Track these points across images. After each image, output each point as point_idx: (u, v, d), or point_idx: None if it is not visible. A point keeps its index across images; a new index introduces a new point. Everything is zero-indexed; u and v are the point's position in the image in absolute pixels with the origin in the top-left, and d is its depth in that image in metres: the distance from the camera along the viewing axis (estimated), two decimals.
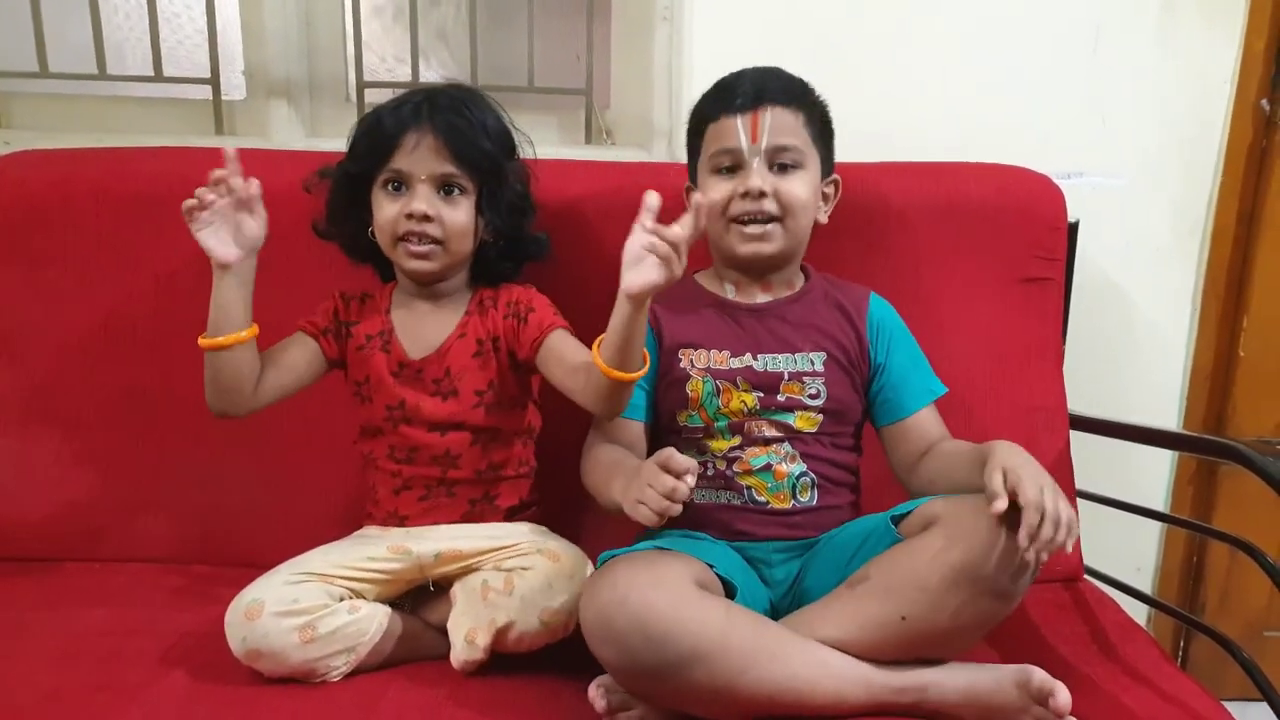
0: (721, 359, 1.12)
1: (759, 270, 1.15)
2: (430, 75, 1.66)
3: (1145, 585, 1.70)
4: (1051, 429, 1.33)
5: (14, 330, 1.31)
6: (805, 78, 1.14)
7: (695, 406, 1.12)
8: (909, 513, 1.00)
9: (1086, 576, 1.33)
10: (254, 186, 1.03)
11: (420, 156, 1.08)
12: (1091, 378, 1.51)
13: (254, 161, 1.33)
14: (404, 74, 1.62)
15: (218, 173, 1.00)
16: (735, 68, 1.15)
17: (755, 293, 1.16)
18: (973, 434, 1.29)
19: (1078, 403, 1.37)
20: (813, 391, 1.12)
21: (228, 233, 1.02)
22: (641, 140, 1.56)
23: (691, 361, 1.13)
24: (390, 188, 1.10)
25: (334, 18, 1.61)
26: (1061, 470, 1.33)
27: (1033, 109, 1.52)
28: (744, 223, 1.10)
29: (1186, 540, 1.69)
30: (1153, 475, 1.66)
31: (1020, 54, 1.51)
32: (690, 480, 0.88)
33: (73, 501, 1.29)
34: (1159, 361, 1.62)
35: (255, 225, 1.04)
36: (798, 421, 1.12)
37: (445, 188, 1.10)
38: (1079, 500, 1.34)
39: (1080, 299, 1.46)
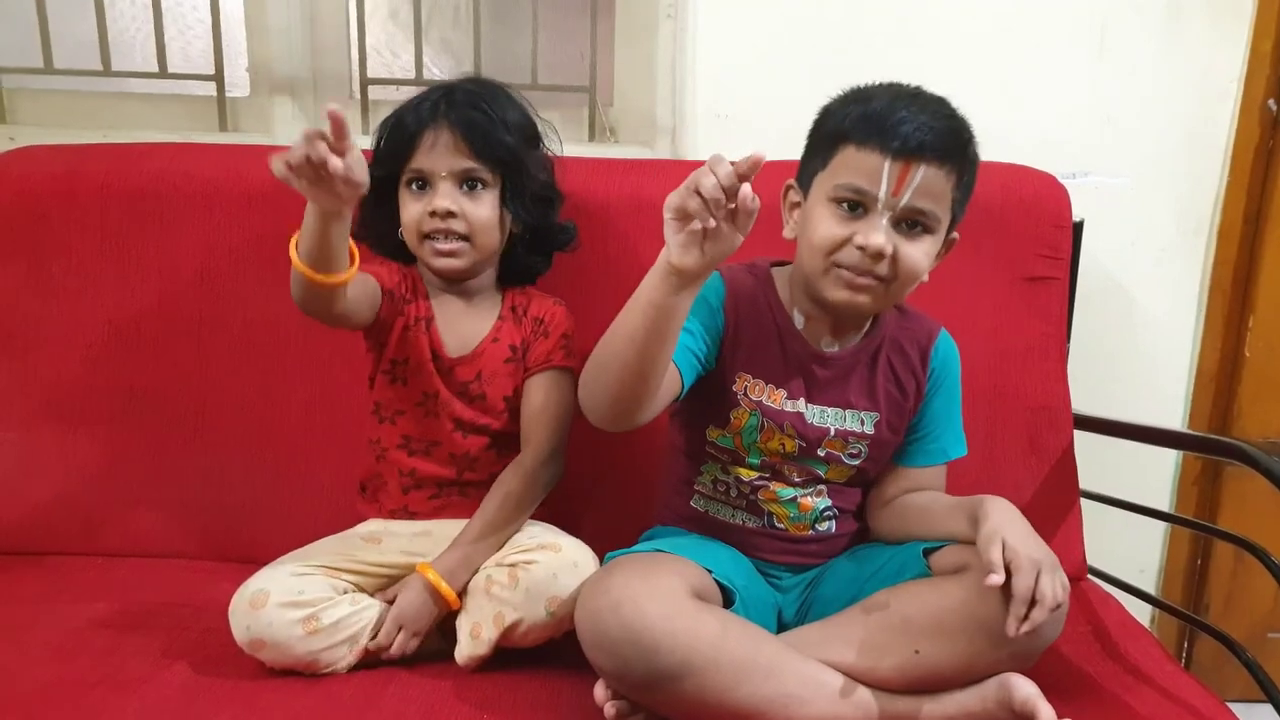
0: (776, 398, 1.05)
1: (841, 316, 1.04)
2: (434, 72, 1.66)
3: (1149, 586, 1.69)
4: (1055, 428, 1.33)
5: (17, 326, 1.31)
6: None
7: (732, 432, 1.07)
8: (941, 547, 0.99)
9: (1090, 577, 1.33)
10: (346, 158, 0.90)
11: (439, 153, 1.09)
12: (1096, 377, 1.51)
13: (258, 158, 1.33)
14: (407, 70, 1.62)
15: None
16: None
17: (823, 335, 1.06)
18: (977, 433, 1.29)
19: (1082, 402, 1.36)
20: (854, 451, 1.08)
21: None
22: (645, 138, 1.55)
23: (745, 390, 1.05)
24: (414, 187, 1.11)
25: (338, 14, 1.61)
26: (1065, 470, 1.32)
27: (1038, 108, 1.52)
28: (848, 268, 0.97)
29: (1191, 541, 1.68)
30: (1157, 475, 1.66)
31: (1026, 53, 1.51)
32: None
33: (74, 496, 1.29)
34: (1164, 361, 1.61)
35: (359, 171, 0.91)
36: (829, 473, 1.09)
37: (467, 183, 1.10)
38: (1083, 500, 1.34)
39: (1085, 298, 1.45)
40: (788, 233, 1.06)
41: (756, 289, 1.08)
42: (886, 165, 0.93)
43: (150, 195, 1.31)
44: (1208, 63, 1.51)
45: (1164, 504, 1.67)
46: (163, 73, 1.56)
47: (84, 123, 1.56)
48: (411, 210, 1.10)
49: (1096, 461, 1.37)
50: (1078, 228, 1.38)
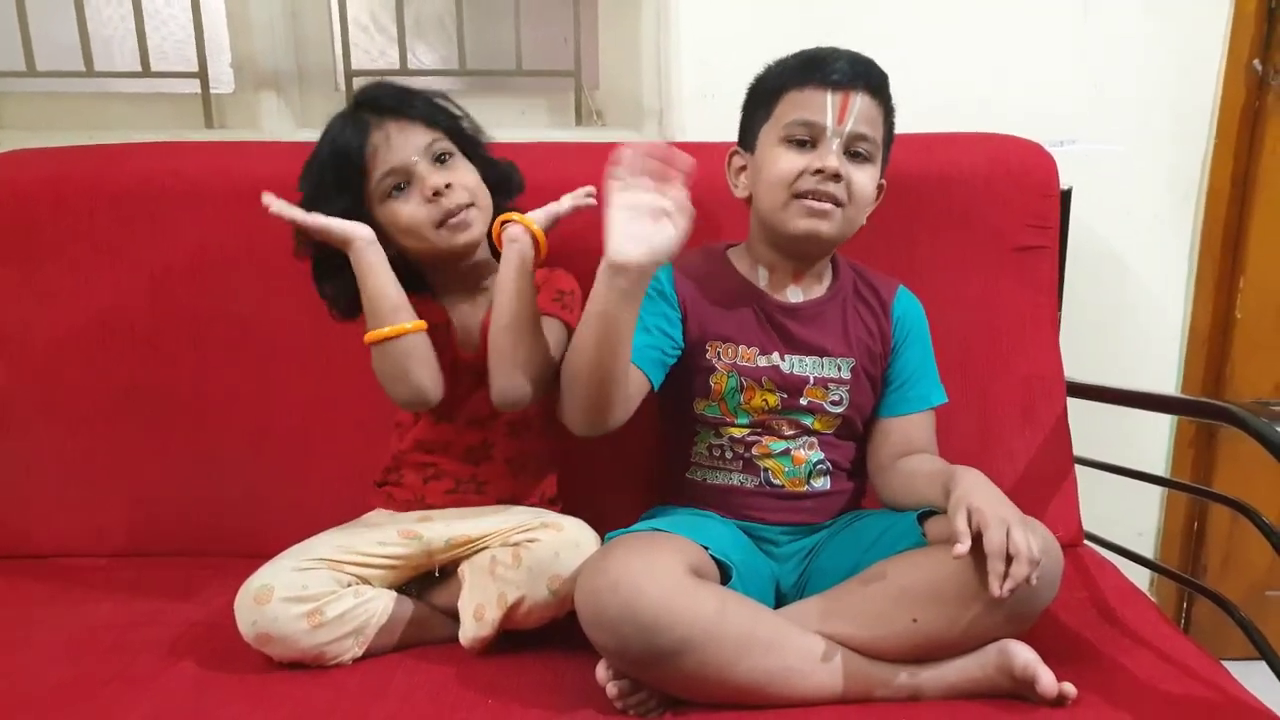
0: (749, 355, 1.10)
1: (802, 252, 1.11)
2: (418, 62, 1.66)
3: (1148, 549, 1.70)
4: (1049, 397, 1.33)
5: (13, 330, 1.31)
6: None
7: (716, 399, 1.11)
8: (935, 513, 1.00)
9: (1087, 542, 1.34)
10: None
11: (399, 143, 1.06)
12: (1089, 344, 1.52)
13: (245, 154, 1.35)
14: (391, 61, 1.61)
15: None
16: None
17: (788, 284, 1.13)
18: (970, 404, 1.31)
19: (1076, 369, 1.37)
20: (835, 398, 1.12)
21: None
22: (632, 120, 1.55)
23: (719, 354, 1.10)
24: (395, 192, 1.07)
25: (320, 6, 1.60)
26: (1060, 437, 1.33)
27: (1023, 76, 1.52)
28: (808, 197, 1.04)
29: (1188, 503, 1.69)
30: (1153, 439, 1.67)
31: (1009, 20, 1.50)
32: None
33: (78, 498, 1.30)
34: (1156, 326, 1.62)
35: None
36: (816, 423, 1.12)
37: (438, 158, 1.09)
38: (1079, 467, 1.35)
39: (1075, 266, 1.46)
40: (739, 192, 1.14)
41: (711, 263, 1.15)
42: (829, 97, 1.03)
43: (139, 196, 1.31)
44: (1192, 24, 1.51)
45: (1161, 466, 1.68)
46: (146, 71, 1.56)
47: (70, 124, 1.56)
48: (408, 209, 1.07)
49: (1093, 427, 1.38)
50: (1066, 195, 1.38)
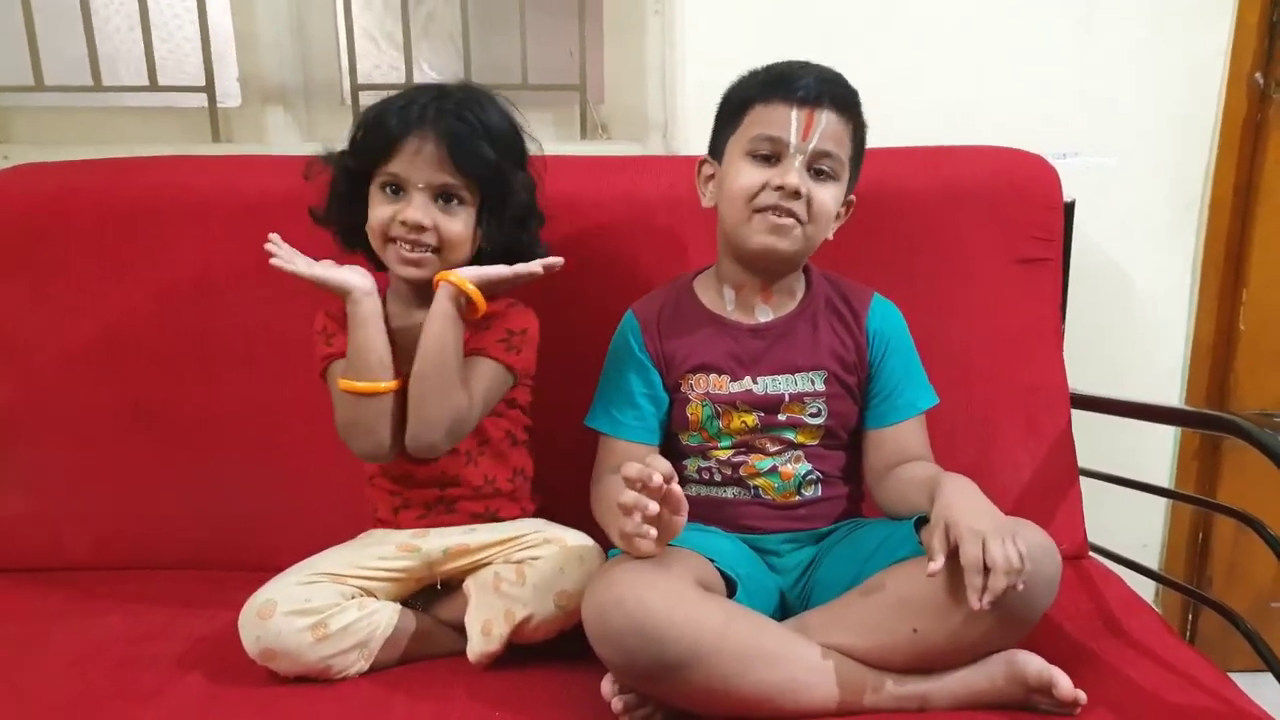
0: (720, 384, 1.11)
1: (765, 268, 1.11)
2: (424, 76, 1.67)
3: (1153, 560, 1.70)
4: (1052, 409, 1.33)
5: (19, 344, 1.32)
6: None
7: (695, 428, 1.12)
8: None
9: (1092, 554, 1.34)
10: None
11: (420, 164, 1.04)
12: (1093, 356, 1.51)
13: (252, 168, 1.35)
14: (398, 75, 1.62)
15: None
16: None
17: (756, 303, 1.13)
18: (974, 416, 1.31)
19: (1081, 381, 1.37)
20: (813, 410, 1.12)
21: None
22: (637, 134, 1.56)
23: (692, 386, 1.12)
24: (388, 190, 1.06)
25: (326, 21, 1.61)
26: (1064, 449, 1.33)
27: (1026, 89, 1.52)
28: (769, 212, 1.04)
29: (1192, 515, 1.69)
30: (1157, 451, 1.67)
31: (1012, 33, 1.51)
32: (657, 479, 0.87)
33: (83, 511, 1.31)
34: (1160, 338, 1.62)
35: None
36: (799, 437, 1.12)
37: (444, 196, 1.06)
38: (1083, 478, 1.35)
39: (1079, 278, 1.46)
40: (706, 202, 1.14)
41: (676, 298, 1.17)
42: (794, 113, 1.03)
43: (146, 210, 1.31)
44: (1195, 37, 1.52)
45: (1165, 478, 1.68)
46: (154, 86, 1.57)
47: (78, 139, 1.57)
48: (381, 213, 1.06)
49: (1097, 438, 1.38)
50: (1069, 208, 1.38)
